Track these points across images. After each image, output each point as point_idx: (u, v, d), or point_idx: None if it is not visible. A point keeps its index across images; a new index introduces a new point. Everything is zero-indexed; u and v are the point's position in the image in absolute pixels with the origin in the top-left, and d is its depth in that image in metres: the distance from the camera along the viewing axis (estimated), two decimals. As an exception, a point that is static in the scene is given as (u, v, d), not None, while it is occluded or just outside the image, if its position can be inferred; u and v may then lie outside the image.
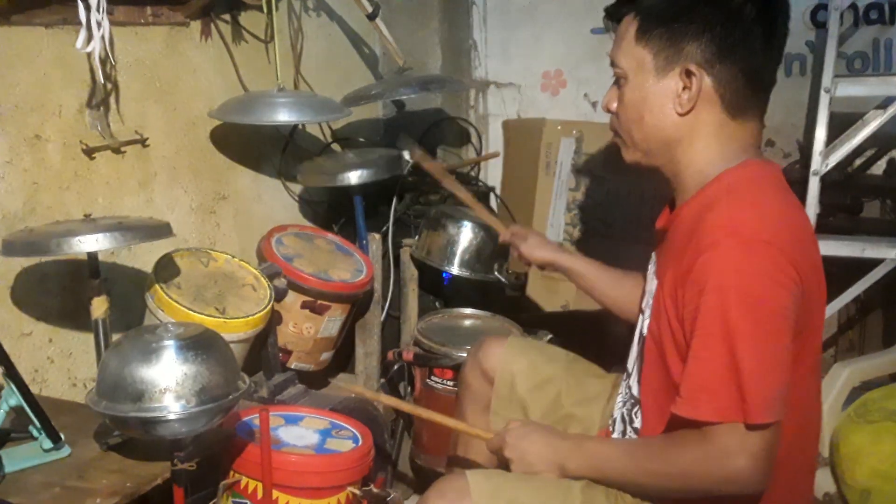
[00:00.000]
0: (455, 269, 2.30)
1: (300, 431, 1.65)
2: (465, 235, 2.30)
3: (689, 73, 1.23)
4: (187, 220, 2.11)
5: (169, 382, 1.21)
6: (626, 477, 1.26)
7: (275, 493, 1.48)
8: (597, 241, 2.77)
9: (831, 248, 2.15)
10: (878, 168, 2.63)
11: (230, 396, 1.26)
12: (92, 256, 1.50)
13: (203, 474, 1.36)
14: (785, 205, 1.23)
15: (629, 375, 1.41)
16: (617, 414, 1.43)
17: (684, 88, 1.24)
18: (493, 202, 2.87)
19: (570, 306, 2.79)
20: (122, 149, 1.90)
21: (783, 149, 2.74)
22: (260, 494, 1.48)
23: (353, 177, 2.24)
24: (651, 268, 1.42)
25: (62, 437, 1.37)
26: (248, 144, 2.31)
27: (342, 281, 2.10)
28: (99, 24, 1.64)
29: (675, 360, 1.22)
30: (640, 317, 1.40)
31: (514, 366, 1.63)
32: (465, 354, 1.86)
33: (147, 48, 1.98)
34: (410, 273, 2.36)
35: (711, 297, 1.12)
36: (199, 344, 1.26)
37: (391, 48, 2.51)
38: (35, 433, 1.36)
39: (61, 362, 1.78)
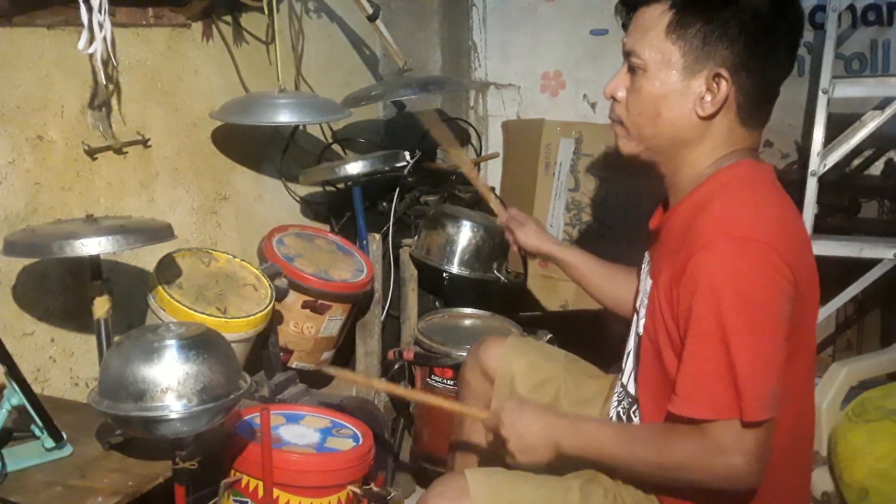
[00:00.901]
0: (454, 269, 2.31)
1: (301, 430, 1.66)
2: (465, 235, 2.31)
3: (716, 78, 1.21)
4: (189, 221, 2.12)
5: (171, 382, 1.22)
6: (619, 462, 1.26)
7: (275, 492, 1.49)
8: (596, 241, 2.78)
9: (829, 248, 2.16)
10: (876, 168, 2.64)
11: (231, 396, 1.27)
12: (94, 258, 1.51)
13: (204, 473, 1.36)
14: (778, 204, 1.23)
15: (625, 374, 1.42)
16: (613, 412, 1.44)
17: (708, 90, 1.22)
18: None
19: (569, 306, 2.80)
20: (124, 149, 1.91)
21: (781, 149, 2.75)
22: (261, 493, 1.49)
23: (353, 168, 2.25)
24: (645, 267, 1.42)
25: (64, 436, 1.37)
26: (249, 145, 2.32)
27: (343, 281, 2.11)
28: (101, 26, 1.65)
29: (671, 359, 1.22)
30: (635, 316, 1.40)
31: (514, 365, 1.63)
32: (464, 354, 1.87)
33: (149, 49, 1.98)
34: (410, 273, 2.37)
35: (706, 296, 1.13)
36: (201, 343, 1.26)
37: (391, 49, 2.52)
38: (37, 432, 1.37)
39: (63, 362, 1.79)
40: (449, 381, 2.05)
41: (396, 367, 2.26)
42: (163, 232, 1.57)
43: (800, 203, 2.20)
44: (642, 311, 1.34)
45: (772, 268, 1.13)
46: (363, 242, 2.33)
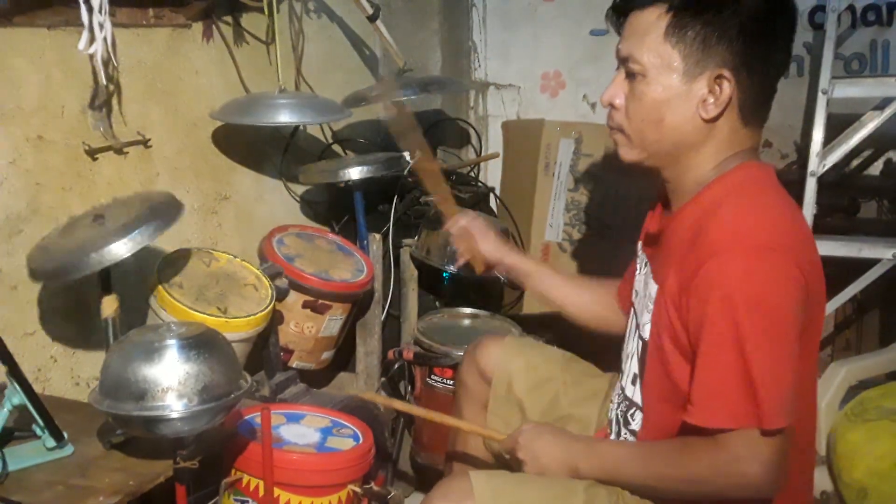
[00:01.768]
0: (454, 269, 2.31)
1: (301, 430, 1.66)
2: (465, 235, 2.31)
3: (718, 79, 1.20)
4: (189, 221, 2.12)
5: (171, 381, 1.22)
6: (638, 480, 1.26)
7: (276, 491, 1.50)
8: (595, 242, 2.78)
9: (828, 248, 2.16)
10: (876, 169, 2.65)
11: (232, 395, 1.27)
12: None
13: (205, 472, 1.36)
14: (785, 207, 1.23)
15: (625, 376, 1.41)
16: (612, 415, 1.44)
17: (710, 92, 1.21)
18: (493, 203, 2.89)
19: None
20: (125, 150, 1.91)
21: (780, 150, 2.76)
22: (261, 492, 1.50)
23: (354, 172, 2.25)
24: (643, 269, 1.40)
25: (65, 435, 1.37)
26: (250, 145, 2.32)
27: (343, 281, 2.11)
28: (101, 26, 1.65)
29: (679, 365, 1.22)
30: (634, 319, 1.40)
31: (512, 365, 1.63)
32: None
33: (149, 50, 1.99)
34: (410, 273, 2.37)
35: (719, 304, 1.12)
36: (202, 343, 1.27)
37: (391, 50, 2.52)
38: (38, 432, 1.37)
39: (64, 361, 1.79)
40: (448, 381, 2.05)
41: (396, 366, 2.27)
42: (172, 208, 1.59)
43: (799, 203, 2.20)
44: (646, 316, 1.32)
45: (785, 274, 1.12)
46: (363, 242, 2.34)
